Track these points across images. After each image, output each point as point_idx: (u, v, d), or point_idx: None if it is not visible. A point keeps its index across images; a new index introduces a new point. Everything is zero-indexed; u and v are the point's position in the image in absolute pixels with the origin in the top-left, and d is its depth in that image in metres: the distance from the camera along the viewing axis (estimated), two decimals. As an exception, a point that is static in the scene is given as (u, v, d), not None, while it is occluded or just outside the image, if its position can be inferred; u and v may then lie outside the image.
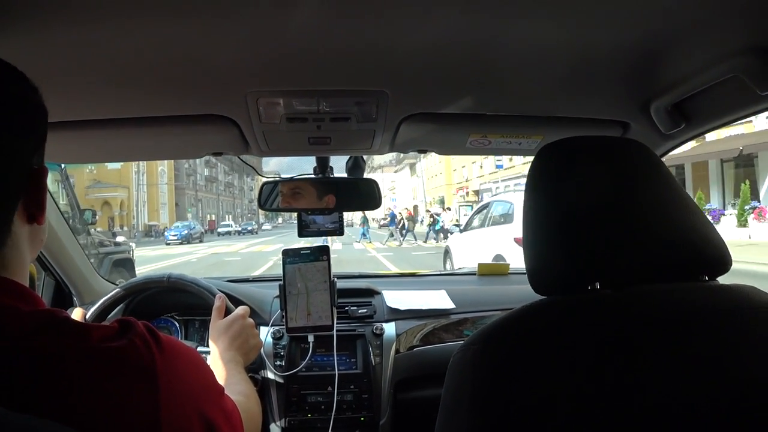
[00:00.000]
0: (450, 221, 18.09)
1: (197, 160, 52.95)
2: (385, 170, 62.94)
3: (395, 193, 56.82)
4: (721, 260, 0.61)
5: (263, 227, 53.96)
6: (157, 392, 0.47)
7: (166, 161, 42.94)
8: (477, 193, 33.66)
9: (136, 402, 0.46)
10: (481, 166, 34.47)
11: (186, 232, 29.05)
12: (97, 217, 6.81)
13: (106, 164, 32.29)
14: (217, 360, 0.95)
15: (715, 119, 0.99)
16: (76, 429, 0.40)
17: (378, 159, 62.81)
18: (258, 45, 0.77)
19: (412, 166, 52.38)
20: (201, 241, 29.23)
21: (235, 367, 0.95)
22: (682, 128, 1.02)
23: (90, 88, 0.87)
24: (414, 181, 52.73)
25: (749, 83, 0.77)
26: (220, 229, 40.51)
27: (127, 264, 6.29)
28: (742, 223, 12.81)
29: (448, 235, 16.99)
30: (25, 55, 0.48)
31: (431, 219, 20.66)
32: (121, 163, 33.60)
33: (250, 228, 42.98)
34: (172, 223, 36.04)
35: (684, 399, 0.50)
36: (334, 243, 15.11)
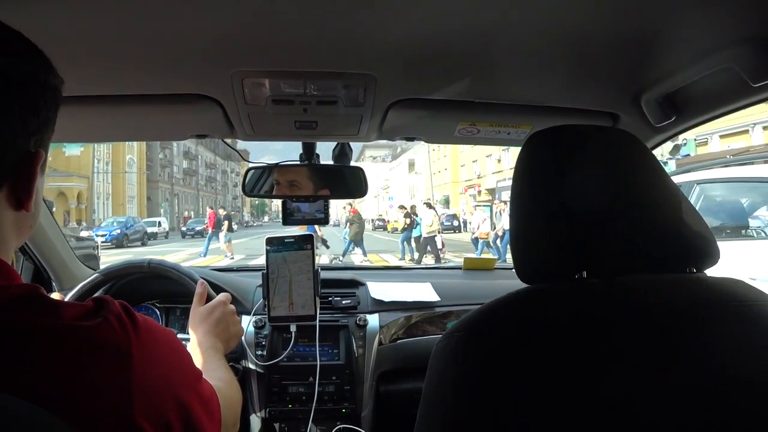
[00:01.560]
0: (429, 226, 13.17)
1: (174, 152, 52.17)
2: (377, 162, 62.63)
3: (389, 192, 56.23)
4: (709, 253, 0.66)
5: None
6: (130, 373, 0.49)
7: (135, 149, 42.20)
8: (492, 191, 31.40)
9: (108, 382, 0.48)
10: (498, 160, 31.74)
11: (119, 231, 23.64)
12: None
13: (63, 150, 30.56)
14: (196, 346, 1.00)
15: (706, 112, 1.07)
16: (44, 407, 0.43)
17: (369, 152, 62.51)
18: (244, 24, 0.81)
19: (410, 162, 52.26)
20: (143, 244, 24.52)
21: (215, 354, 1.00)
22: (673, 120, 1.10)
23: (68, 62, 0.89)
24: (412, 179, 52.56)
25: (742, 74, 0.83)
26: (148, 229, 27.87)
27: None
28: None
29: (438, 249, 13.20)
30: None
31: (407, 221, 14.47)
32: (81, 149, 32.47)
33: (200, 228, 30.45)
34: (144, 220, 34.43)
35: (667, 389, 0.54)
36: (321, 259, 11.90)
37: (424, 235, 13.33)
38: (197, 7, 0.75)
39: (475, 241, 14.57)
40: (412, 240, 14.34)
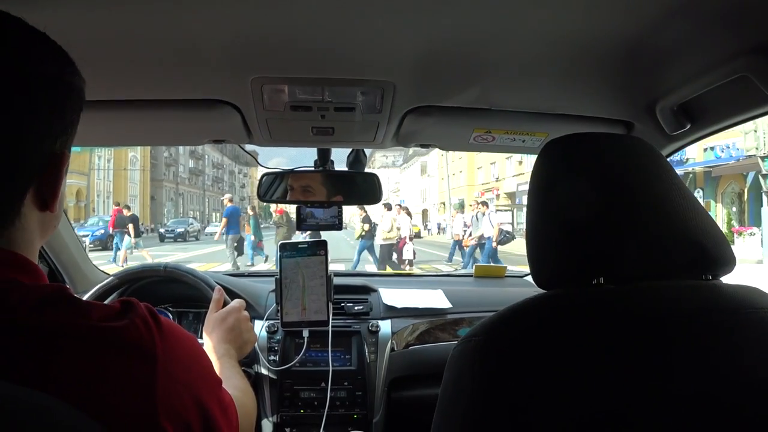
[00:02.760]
0: (386, 232, 11.05)
1: (180, 150, 52.56)
2: (387, 168, 62.93)
3: (400, 195, 55.87)
4: (725, 260, 0.67)
5: (207, 230, 37.65)
6: (154, 375, 0.52)
7: (139, 147, 42.79)
8: (512, 195, 31.15)
9: (133, 383, 0.50)
10: (520, 162, 30.71)
11: (103, 232, 21.60)
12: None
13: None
14: (210, 352, 1.05)
15: (722, 120, 1.09)
16: (70, 405, 0.46)
17: (380, 160, 62.69)
18: (264, 30, 0.85)
19: (423, 165, 52.18)
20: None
21: (229, 361, 1.04)
22: (688, 129, 1.13)
23: (85, 66, 0.90)
24: (424, 182, 52.54)
25: (758, 83, 0.84)
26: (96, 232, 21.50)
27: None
28: None
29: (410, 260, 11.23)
30: None
31: (365, 227, 11.37)
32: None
33: (180, 230, 28.25)
34: (145, 221, 33.25)
35: (684, 397, 0.56)
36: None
37: (380, 242, 11.30)
38: (217, 13, 0.79)
39: (455, 247, 12.39)
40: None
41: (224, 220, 11.26)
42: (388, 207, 11.97)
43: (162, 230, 29.46)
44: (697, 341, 0.59)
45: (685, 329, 0.60)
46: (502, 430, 0.58)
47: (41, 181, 0.55)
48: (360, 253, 11.59)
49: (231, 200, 12.56)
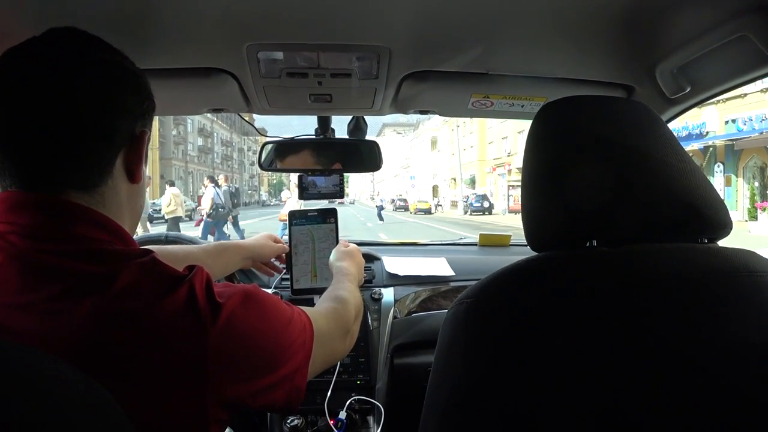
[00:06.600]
0: (166, 207, 11.25)
1: (188, 128, 52.66)
2: (398, 141, 62.60)
3: (409, 171, 55.54)
4: (721, 223, 0.67)
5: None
6: (206, 350, 0.59)
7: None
8: None
9: (186, 343, 0.59)
10: None
11: None
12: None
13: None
14: (345, 274, 1.17)
15: (721, 83, 1.08)
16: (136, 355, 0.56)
17: (390, 135, 62.33)
18: None
19: (433, 140, 51.79)
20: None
21: (347, 278, 1.16)
22: (688, 92, 1.12)
23: None
24: (434, 157, 52.26)
25: (757, 43, 0.85)
26: None
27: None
28: None
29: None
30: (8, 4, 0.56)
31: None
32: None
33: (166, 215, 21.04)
34: (155, 199, 33.72)
35: (677, 358, 0.56)
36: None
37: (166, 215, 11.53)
38: None
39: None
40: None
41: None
42: (172, 183, 12.76)
43: (150, 210, 24.66)
44: (691, 303, 0.60)
45: (678, 291, 0.60)
46: (494, 389, 0.59)
47: (127, 151, 0.67)
48: None
49: None
